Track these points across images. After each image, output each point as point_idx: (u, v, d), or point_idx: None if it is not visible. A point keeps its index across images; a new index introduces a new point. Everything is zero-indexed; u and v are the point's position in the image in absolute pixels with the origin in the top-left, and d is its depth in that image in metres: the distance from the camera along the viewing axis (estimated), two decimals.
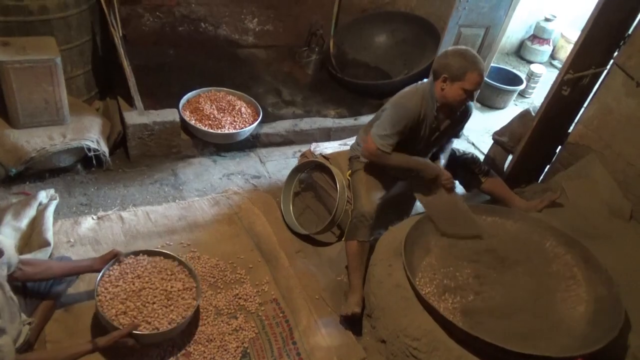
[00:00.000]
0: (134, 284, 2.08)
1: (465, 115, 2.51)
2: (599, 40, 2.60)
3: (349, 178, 2.57)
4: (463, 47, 2.28)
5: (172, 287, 2.11)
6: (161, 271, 2.17)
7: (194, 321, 2.18)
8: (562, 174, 2.89)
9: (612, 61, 2.70)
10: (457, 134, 2.62)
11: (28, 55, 2.51)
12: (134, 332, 1.89)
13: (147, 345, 2.01)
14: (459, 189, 3.14)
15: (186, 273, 2.21)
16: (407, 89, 2.40)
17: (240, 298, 2.35)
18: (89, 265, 2.06)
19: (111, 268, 2.11)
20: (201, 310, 2.25)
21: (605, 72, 2.74)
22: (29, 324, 1.85)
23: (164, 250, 2.27)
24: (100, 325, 2.02)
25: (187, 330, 2.15)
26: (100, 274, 2.05)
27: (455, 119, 2.43)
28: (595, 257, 2.24)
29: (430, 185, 2.45)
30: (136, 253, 2.21)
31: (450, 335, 2.00)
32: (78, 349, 1.79)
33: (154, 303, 2.04)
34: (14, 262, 1.79)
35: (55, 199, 2.53)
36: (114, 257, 2.10)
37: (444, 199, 2.44)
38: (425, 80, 2.39)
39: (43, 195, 2.49)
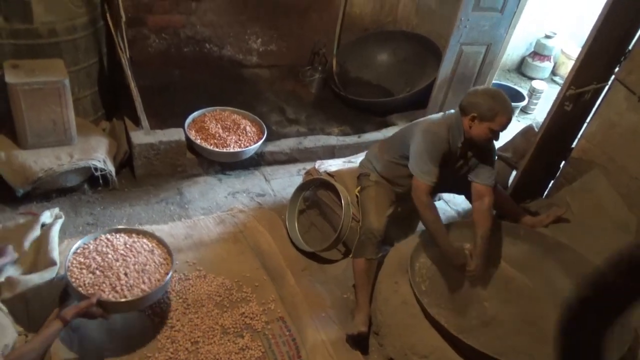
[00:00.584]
0: (107, 257, 2.12)
1: (490, 151, 2.45)
2: (599, 56, 2.63)
3: (357, 195, 2.58)
4: (494, 88, 2.32)
5: (147, 262, 2.15)
6: (137, 247, 2.22)
7: (202, 340, 2.17)
8: (567, 189, 2.89)
9: (613, 76, 2.72)
10: (490, 163, 2.47)
11: (37, 77, 2.55)
12: (102, 300, 1.91)
13: (115, 313, 2.03)
14: (465, 204, 3.16)
15: (164, 250, 2.26)
16: (433, 117, 2.41)
17: (246, 317, 2.34)
18: (60, 326, 1.83)
19: (87, 242, 2.18)
20: (207, 329, 2.24)
21: (607, 87, 2.77)
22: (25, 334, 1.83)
23: (141, 228, 2.33)
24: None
25: (194, 350, 2.14)
26: (75, 246, 2.11)
27: (477, 152, 2.40)
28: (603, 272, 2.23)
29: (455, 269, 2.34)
30: (116, 230, 2.27)
31: (458, 351, 1.98)
32: (51, 329, 1.77)
33: (125, 274, 2.07)
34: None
35: (60, 217, 2.54)
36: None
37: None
38: (452, 111, 2.40)
39: (47, 215, 2.50)
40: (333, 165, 2.91)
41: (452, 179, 2.44)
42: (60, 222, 2.50)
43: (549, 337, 2.08)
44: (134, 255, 2.17)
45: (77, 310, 1.83)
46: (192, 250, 2.64)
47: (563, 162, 3.06)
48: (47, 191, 2.76)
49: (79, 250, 2.14)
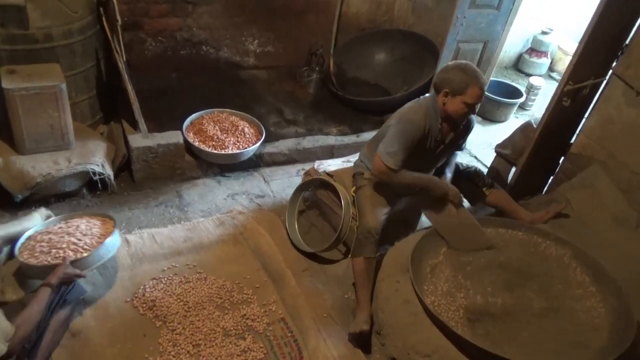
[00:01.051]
0: (53, 238, 2.25)
1: (467, 128, 2.52)
2: (597, 51, 2.63)
3: (354, 195, 2.58)
4: (463, 61, 2.31)
5: (91, 227, 2.34)
6: (75, 223, 2.36)
7: (204, 342, 2.17)
8: (566, 185, 2.89)
9: (610, 71, 2.72)
10: (460, 147, 2.63)
11: (34, 82, 2.55)
12: (72, 260, 2.06)
13: (86, 269, 2.13)
14: (465, 203, 3.15)
15: (111, 224, 2.42)
16: (409, 104, 2.42)
17: (247, 318, 2.33)
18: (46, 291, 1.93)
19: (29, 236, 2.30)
20: (209, 331, 2.23)
21: (605, 82, 2.77)
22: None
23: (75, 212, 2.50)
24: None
25: (196, 353, 2.13)
26: (22, 238, 2.24)
27: (458, 131, 2.45)
28: (604, 268, 2.23)
29: (438, 201, 2.44)
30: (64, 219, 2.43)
31: (461, 350, 1.97)
32: (41, 295, 1.85)
33: (79, 239, 2.24)
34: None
35: (50, 217, 2.51)
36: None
37: (453, 214, 2.44)
38: (427, 95, 2.42)
39: (37, 218, 2.45)
40: (332, 165, 2.91)
41: (434, 162, 2.51)
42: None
43: (554, 332, 2.08)
44: (77, 227, 2.33)
45: (57, 274, 1.94)
46: (192, 253, 2.63)
47: (562, 158, 3.06)
48: (45, 196, 2.76)
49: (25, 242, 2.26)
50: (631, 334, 1.93)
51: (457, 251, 2.37)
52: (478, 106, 2.34)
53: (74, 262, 2.08)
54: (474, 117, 2.52)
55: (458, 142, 2.56)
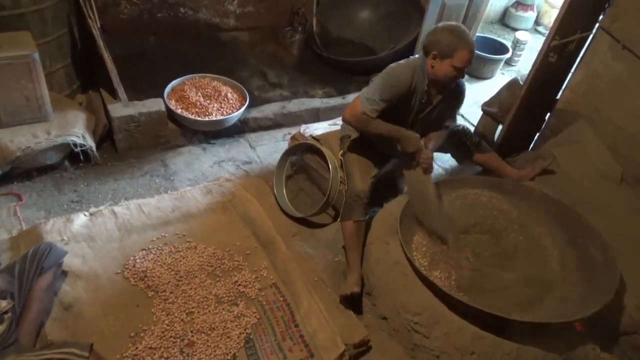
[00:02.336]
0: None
1: (458, 95, 2.46)
2: (584, 4, 2.58)
3: (341, 158, 2.56)
4: (453, 23, 2.24)
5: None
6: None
7: (197, 310, 2.19)
8: (552, 141, 2.90)
9: (597, 25, 2.68)
10: (453, 116, 2.54)
11: (4, 52, 2.44)
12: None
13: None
14: (451, 162, 3.16)
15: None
16: (400, 61, 2.37)
17: (239, 285, 2.35)
18: None
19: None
20: (202, 299, 2.25)
21: (591, 36, 2.73)
22: (5, 312, 1.80)
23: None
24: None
25: (189, 320, 2.15)
26: None
27: (447, 95, 2.40)
28: (588, 222, 2.27)
29: (410, 161, 2.37)
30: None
31: (450, 308, 2.03)
32: None
33: None
34: None
35: None
36: None
37: (420, 179, 2.37)
38: (417, 55, 2.36)
39: None
40: (318, 129, 2.88)
41: (423, 125, 2.45)
42: None
43: (537, 286, 2.14)
44: None
45: None
46: (181, 222, 2.62)
47: (548, 114, 3.06)
48: (27, 170, 2.70)
49: None
50: (614, 286, 1.98)
51: (420, 224, 2.36)
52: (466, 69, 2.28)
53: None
54: (464, 83, 2.46)
55: (449, 110, 2.47)
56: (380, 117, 2.29)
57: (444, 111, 2.45)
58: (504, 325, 1.92)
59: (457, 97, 2.47)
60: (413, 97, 2.34)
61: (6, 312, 1.80)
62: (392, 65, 2.35)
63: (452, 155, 2.86)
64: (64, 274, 2.21)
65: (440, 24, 2.26)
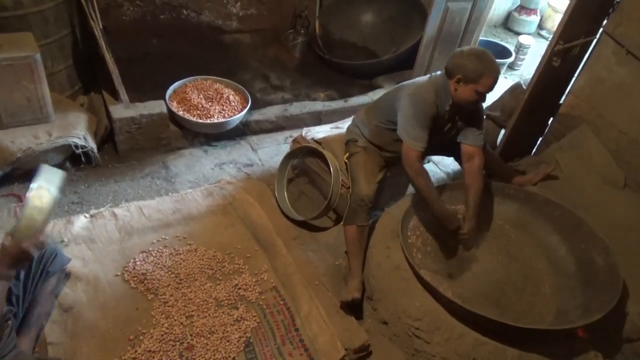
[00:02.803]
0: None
1: (478, 117, 2.40)
2: (587, 9, 2.57)
3: (346, 161, 2.54)
4: (480, 48, 2.22)
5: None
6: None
7: (197, 313, 2.18)
8: (555, 146, 2.89)
9: (601, 30, 2.67)
10: (479, 126, 2.41)
11: (6, 53, 2.43)
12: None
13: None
14: (455, 165, 3.15)
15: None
16: (421, 80, 2.33)
17: (240, 288, 2.34)
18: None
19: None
20: (201, 302, 2.24)
21: (595, 41, 2.72)
22: (7, 320, 1.78)
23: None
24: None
25: (189, 324, 2.14)
26: None
27: (464, 117, 2.35)
28: (591, 227, 2.26)
29: (450, 235, 2.30)
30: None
31: (452, 313, 2.01)
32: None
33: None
34: None
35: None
36: None
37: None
38: (437, 72, 2.33)
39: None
40: (320, 132, 2.87)
41: (440, 142, 2.41)
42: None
43: (540, 293, 2.12)
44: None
45: (5, 260, 1.64)
46: (182, 225, 2.61)
47: (551, 119, 3.05)
48: (27, 171, 2.68)
49: None
50: (617, 292, 1.97)
51: None
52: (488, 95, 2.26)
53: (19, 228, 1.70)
54: (483, 105, 2.42)
55: (466, 124, 2.40)
56: (388, 125, 2.29)
57: (461, 129, 2.40)
58: (505, 331, 1.91)
59: (477, 114, 2.39)
60: (438, 117, 2.30)
61: (7, 320, 1.79)
62: (415, 85, 2.29)
63: (455, 159, 2.84)
64: (67, 277, 2.21)
65: (466, 48, 2.23)
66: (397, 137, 2.31)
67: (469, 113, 2.34)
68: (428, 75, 2.35)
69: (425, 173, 2.24)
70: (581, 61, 2.85)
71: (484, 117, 2.48)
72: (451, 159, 2.87)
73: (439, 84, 2.26)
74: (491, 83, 2.16)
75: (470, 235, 2.24)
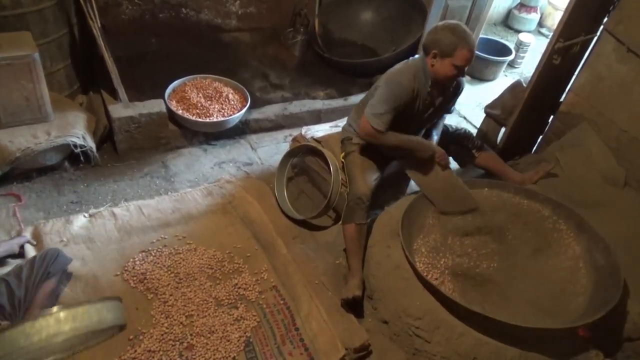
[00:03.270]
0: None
1: (457, 90, 2.47)
2: (588, 7, 2.56)
3: (343, 160, 2.54)
4: (454, 21, 2.23)
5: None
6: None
7: (196, 313, 2.17)
8: (556, 144, 2.88)
9: (602, 27, 2.66)
10: (449, 110, 2.58)
11: (4, 53, 2.42)
12: None
13: None
14: (453, 165, 3.14)
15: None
16: (398, 65, 2.35)
17: (239, 288, 2.33)
18: None
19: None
20: (201, 302, 2.23)
21: (596, 38, 2.71)
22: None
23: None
24: None
25: (189, 323, 2.14)
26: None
27: (447, 94, 2.40)
28: (591, 226, 2.25)
29: (425, 163, 2.42)
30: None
31: (452, 312, 2.00)
32: None
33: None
34: None
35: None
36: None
37: (440, 176, 2.42)
38: (416, 56, 2.35)
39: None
40: (320, 130, 2.86)
41: (421, 126, 2.47)
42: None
43: (541, 291, 2.11)
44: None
45: None
46: (181, 224, 2.60)
47: (551, 117, 3.04)
48: (26, 171, 2.69)
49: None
50: (618, 291, 1.96)
51: (446, 214, 2.37)
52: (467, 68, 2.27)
53: None
54: (463, 79, 2.47)
55: (447, 105, 2.51)
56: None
57: (443, 107, 2.47)
58: (506, 330, 1.90)
59: (455, 93, 2.48)
60: (417, 101, 2.33)
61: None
62: (391, 71, 2.34)
63: (454, 159, 2.83)
64: (67, 277, 2.20)
65: (440, 23, 2.24)
66: None
67: (450, 92, 2.38)
68: (405, 60, 2.36)
69: (386, 133, 2.28)
70: (581, 59, 2.84)
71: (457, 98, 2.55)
72: (450, 158, 2.87)
73: (417, 67, 2.28)
74: (467, 54, 2.16)
75: (445, 157, 2.41)
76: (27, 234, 2.35)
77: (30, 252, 2.25)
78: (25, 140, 2.59)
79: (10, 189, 2.64)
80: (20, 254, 2.24)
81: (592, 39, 2.73)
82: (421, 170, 2.43)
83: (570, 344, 1.97)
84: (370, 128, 2.26)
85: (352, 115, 2.59)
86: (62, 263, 2.11)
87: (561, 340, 1.96)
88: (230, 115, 3.13)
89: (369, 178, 2.38)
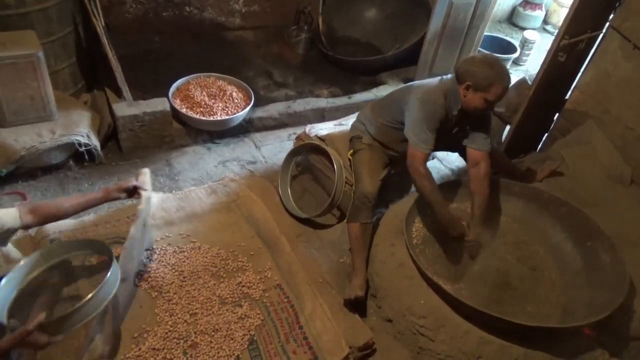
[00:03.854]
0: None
1: (485, 120, 2.38)
2: (593, 3, 2.54)
3: (350, 158, 2.53)
4: (492, 56, 2.23)
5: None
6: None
7: (200, 311, 2.17)
8: (561, 142, 2.87)
9: (607, 24, 2.64)
10: (487, 130, 2.41)
11: (9, 51, 2.43)
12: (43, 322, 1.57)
13: (65, 332, 1.67)
14: (459, 162, 3.13)
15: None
16: (430, 83, 2.31)
17: (243, 286, 2.33)
18: (101, 197, 2.03)
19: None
20: (205, 300, 2.23)
21: (601, 35, 2.69)
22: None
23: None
24: None
25: (193, 321, 2.14)
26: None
27: (474, 121, 2.33)
28: (597, 224, 2.24)
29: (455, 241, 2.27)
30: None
31: (456, 311, 2.00)
32: None
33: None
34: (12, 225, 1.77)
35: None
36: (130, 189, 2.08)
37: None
38: (448, 76, 2.31)
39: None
40: (324, 129, 2.85)
41: (446, 144, 2.39)
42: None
43: (545, 289, 2.11)
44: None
45: (13, 340, 1.53)
46: (185, 223, 2.60)
47: (557, 115, 3.02)
48: (31, 169, 2.69)
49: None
50: (624, 289, 1.95)
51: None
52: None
53: (58, 320, 1.62)
54: (491, 112, 2.41)
55: (473, 128, 2.37)
56: (397, 126, 2.29)
57: (467, 132, 2.37)
58: (511, 329, 1.89)
59: (485, 123, 2.36)
60: (447, 121, 2.28)
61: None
62: (425, 88, 2.28)
63: (460, 155, 2.82)
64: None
65: (479, 55, 2.23)
66: (403, 137, 2.29)
67: (477, 118, 2.31)
68: (439, 78, 2.33)
69: (430, 177, 2.21)
70: (587, 56, 2.82)
71: (491, 123, 2.44)
72: (456, 154, 2.86)
73: (448, 88, 2.24)
74: (501, 92, 2.13)
75: (475, 242, 2.21)
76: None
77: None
78: (30, 139, 2.60)
79: (15, 187, 2.65)
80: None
81: (598, 36, 2.71)
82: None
83: (576, 343, 1.96)
84: (420, 154, 2.19)
85: (365, 113, 2.57)
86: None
87: (567, 339, 1.94)
88: (234, 113, 3.13)
89: (375, 177, 2.38)
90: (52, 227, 2.36)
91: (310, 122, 3.19)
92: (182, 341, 2.07)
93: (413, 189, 2.84)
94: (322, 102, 3.52)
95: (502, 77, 2.12)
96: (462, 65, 2.20)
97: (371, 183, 2.33)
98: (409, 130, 2.24)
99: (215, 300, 2.25)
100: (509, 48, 4.43)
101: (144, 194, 2.13)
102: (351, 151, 2.54)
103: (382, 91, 3.59)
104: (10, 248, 1.92)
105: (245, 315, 2.21)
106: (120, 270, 1.91)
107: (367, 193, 2.30)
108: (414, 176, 2.23)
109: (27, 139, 2.59)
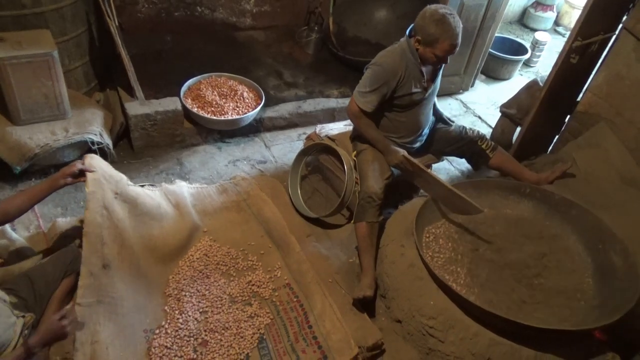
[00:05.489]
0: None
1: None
2: (606, 5, 2.52)
3: (355, 159, 2.54)
4: (442, 10, 2.19)
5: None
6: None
7: (210, 309, 2.19)
8: (572, 144, 2.85)
9: (621, 26, 2.62)
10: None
11: (24, 50, 2.46)
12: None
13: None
14: (465, 167, 3.12)
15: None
16: (387, 48, 2.39)
17: (253, 285, 2.34)
18: (47, 186, 1.97)
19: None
20: (215, 298, 2.25)
21: (614, 37, 2.67)
22: (23, 316, 1.82)
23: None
24: None
25: (203, 319, 2.16)
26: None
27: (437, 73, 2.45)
28: (609, 227, 2.22)
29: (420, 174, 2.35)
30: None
31: (466, 312, 1.99)
32: (15, 353, 1.66)
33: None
34: None
35: None
36: (75, 173, 2.02)
37: (437, 186, 2.30)
38: (403, 39, 2.37)
39: None
40: (334, 129, 2.86)
41: (427, 101, 2.46)
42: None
43: (556, 292, 2.10)
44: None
45: (41, 337, 1.70)
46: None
47: (568, 117, 3.00)
48: (44, 167, 2.73)
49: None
50: (636, 293, 1.93)
51: (456, 215, 2.35)
52: (451, 57, 2.30)
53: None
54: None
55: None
56: (390, 110, 2.35)
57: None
58: (521, 331, 1.89)
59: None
60: (410, 81, 2.33)
61: (26, 328, 1.83)
62: (380, 53, 2.38)
63: (468, 161, 2.81)
64: None
65: (431, 7, 2.23)
66: (390, 117, 2.42)
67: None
68: (395, 42, 2.40)
69: (362, 116, 2.35)
70: (600, 58, 2.80)
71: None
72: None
73: (404, 47, 2.32)
74: (448, 48, 2.19)
75: (406, 161, 2.31)
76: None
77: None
78: (44, 136, 2.63)
79: (29, 184, 2.68)
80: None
81: (610, 37, 2.69)
82: (419, 181, 2.41)
83: (587, 346, 1.95)
84: (355, 106, 2.34)
85: None
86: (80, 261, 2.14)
87: (577, 342, 1.93)
88: (245, 113, 3.15)
89: (380, 176, 2.38)
90: (64, 224, 2.40)
91: (321, 122, 3.19)
92: (192, 339, 2.09)
93: (422, 191, 2.85)
94: (332, 102, 3.52)
95: (447, 32, 2.14)
96: (417, 17, 2.26)
97: (376, 182, 2.34)
98: (356, 87, 2.37)
99: (225, 298, 2.26)
100: (520, 49, 4.41)
101: (89, 175, 2.07)
102: (355, 151, 2.55)
103: None
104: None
105: (255, 314, 2.22)
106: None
107: (372, 192, 2.31)
108: (351, 120, 2.46)
109: (41, 136, 2.62)
